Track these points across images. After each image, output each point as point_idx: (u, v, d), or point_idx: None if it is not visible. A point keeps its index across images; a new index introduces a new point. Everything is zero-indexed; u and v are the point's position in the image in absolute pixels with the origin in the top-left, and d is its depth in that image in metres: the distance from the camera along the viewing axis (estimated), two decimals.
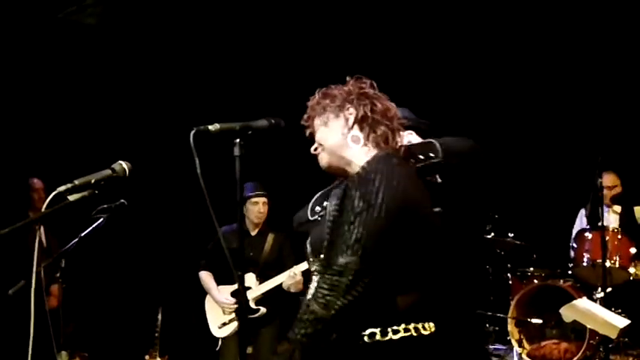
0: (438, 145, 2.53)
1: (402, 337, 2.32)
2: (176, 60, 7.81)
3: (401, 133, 2.61)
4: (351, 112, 2.52)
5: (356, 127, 2.52)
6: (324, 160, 2.57)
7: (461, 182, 2.59)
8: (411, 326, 2.34)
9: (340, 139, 2.53)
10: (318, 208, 2.65)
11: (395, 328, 2.32)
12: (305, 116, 2.63)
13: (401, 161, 2.46)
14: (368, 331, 2.30)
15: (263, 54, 7.82)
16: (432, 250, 2.43)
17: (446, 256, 2.56)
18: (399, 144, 2.56)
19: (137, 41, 7.63)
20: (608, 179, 6.63)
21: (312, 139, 2.62)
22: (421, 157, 2.54)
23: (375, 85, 2.60)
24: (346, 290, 2.23)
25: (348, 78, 2.62)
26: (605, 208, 6.57)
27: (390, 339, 2.31)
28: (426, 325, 2.38)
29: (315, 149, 2.59)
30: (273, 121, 2.52)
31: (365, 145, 2.51)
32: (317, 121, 2.58)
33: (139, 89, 7.79)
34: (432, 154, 2.52)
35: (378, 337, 2.30)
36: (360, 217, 2.27)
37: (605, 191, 6.42)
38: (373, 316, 2.31)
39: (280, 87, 7.73)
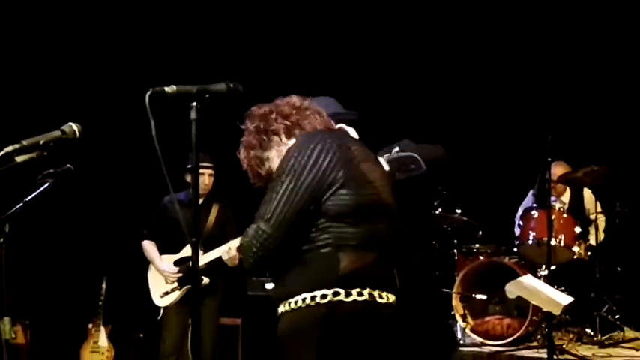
0: (422, 161, 2.96)
1: (354, 300, 2.37)
2: (130, 16, 7.63)
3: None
4: (275, 134, 2.60)
5: (289, 139, 2.59)
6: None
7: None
8: (366, 291, 2.39)
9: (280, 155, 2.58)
10: None
11: (348, 290, 2.37)
12: (252, 180, 2.70)
13: (329, 135, 2.52)
14: (320, 292, 2.36)
15: (222, 14, 7.72)
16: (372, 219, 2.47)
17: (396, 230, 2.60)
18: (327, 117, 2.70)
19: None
20: (561, 168, 6.68)
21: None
22: (412, 167, 3.06)
23: (258, 105, 2.69)
24: (256, 250, 2.37)
25: (242, 126, 2.69)
26: (553, 199, 6.64)
27: (340, 300, 2.36)
28: (384, 294, 2.43)
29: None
30: (231, 85, 2.46)
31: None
32: (265, 168, 2.63)
33: (90, 47, 7.60)
34: (414, 167, 3.04)
35: (329, 297, 2.35)
36: (270, 186, 2.43)
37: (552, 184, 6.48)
38: (322, 279, 2.37)
39: (240, 50, 7.65)
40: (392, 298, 2.46)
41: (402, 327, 2.52)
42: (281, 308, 2.45)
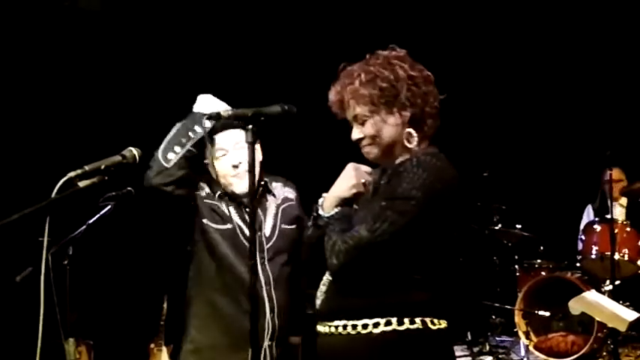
0: None
1: (417, 328, 2.30)
2: (183, 44, 7.74)
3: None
4: (406, 113, 2.39)
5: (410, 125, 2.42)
6: (372, 154, 2.45)
7: None
8: (428, 319, 2.32)
9: (396, 135, 2.41)
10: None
11: (411, 318, 2.30)
12: (334, 98, 2.45)
13: (446, 161, 2.40)
14: (384, 319, 2.29)
15: (271, 38, 7.77)
16: (450, 249, 2.42)
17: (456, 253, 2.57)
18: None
19: (144, 25, 7.59)
20: (614, 174, 6.56)
21: (341, 121, 2.47)
22: None
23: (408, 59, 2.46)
24: (348, 255, 2.25)
25: (384, 51, 2.45)
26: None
27: (408, 328, 2.29)
28: (435, 320, 2.36)
29: (361, 139, 2.44)
30: (286, 107, 2.48)
31: (418, 143, 2.42)
32: (360, 110, 2.40)
33: (147, 74, 7.74)
34: None
35: (394, 325, 2.29)
36: (394, 203, 2.27)
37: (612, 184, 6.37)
38: (390, 305, 2.30)
39: (290, 72, 7.69)
40: (444, 323, 2.38)
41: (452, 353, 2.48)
42: (325, 329, 2.38)
